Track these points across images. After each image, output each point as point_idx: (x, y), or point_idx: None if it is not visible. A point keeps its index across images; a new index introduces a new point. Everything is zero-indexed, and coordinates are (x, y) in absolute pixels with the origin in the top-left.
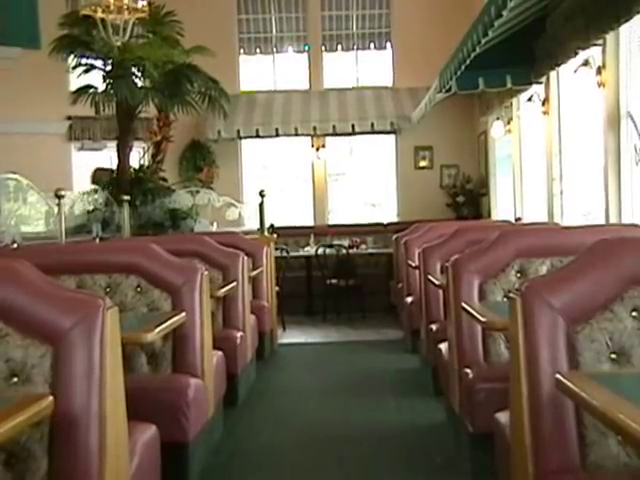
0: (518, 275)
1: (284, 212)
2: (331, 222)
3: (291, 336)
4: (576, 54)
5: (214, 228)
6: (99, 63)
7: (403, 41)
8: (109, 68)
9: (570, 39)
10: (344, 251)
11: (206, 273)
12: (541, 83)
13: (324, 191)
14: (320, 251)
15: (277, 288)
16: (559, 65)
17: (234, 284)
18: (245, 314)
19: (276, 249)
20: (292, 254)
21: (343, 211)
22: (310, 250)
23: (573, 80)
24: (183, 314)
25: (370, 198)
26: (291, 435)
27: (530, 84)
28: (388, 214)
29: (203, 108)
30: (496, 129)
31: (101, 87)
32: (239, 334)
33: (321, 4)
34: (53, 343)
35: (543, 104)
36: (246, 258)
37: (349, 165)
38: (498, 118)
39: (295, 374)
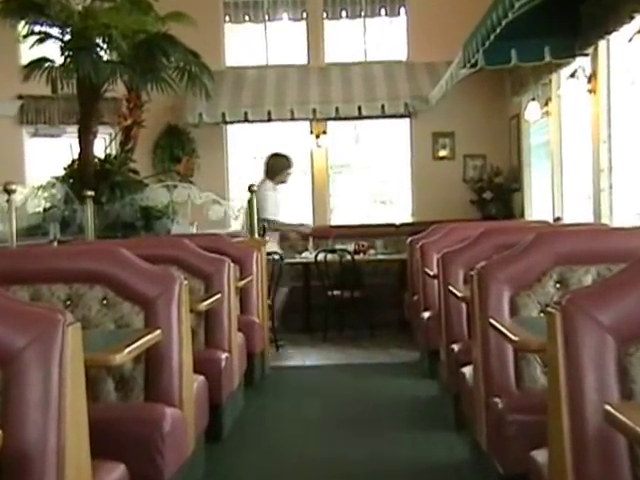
0: (557, 286)
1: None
2: (333, 222)
3: (285, 358)
4: (631, 19)
5: (194, 229)
6: (56, 31)
7: (420, 6)
8: (68, 38)
9: (624, 1)
10: (348, 257)
11: (185, 283)
12: (587, 55)
13: (325, 186)
14: (320, 257)
15: (269, 301)
16: (610, 33)
17: (218, 296)
18: (231, 332)
19: (268, 254)
20: (287, 260)
21: (347, 209)
22: (308, 256)
23: (627, 51)
24: (158, 331)
25: (380, 194)
26: (285, 475)
27: (573, 57)
28: (401, 213)
29: (181, 87)
30: (531, 111)
31: (59, 60)
32: (224, 355)
33: None
34: (3, 365)
35: (589, 81)
36: (232, 265)
37: (355, 155)
38: (534, 98)
39: (290, 403)
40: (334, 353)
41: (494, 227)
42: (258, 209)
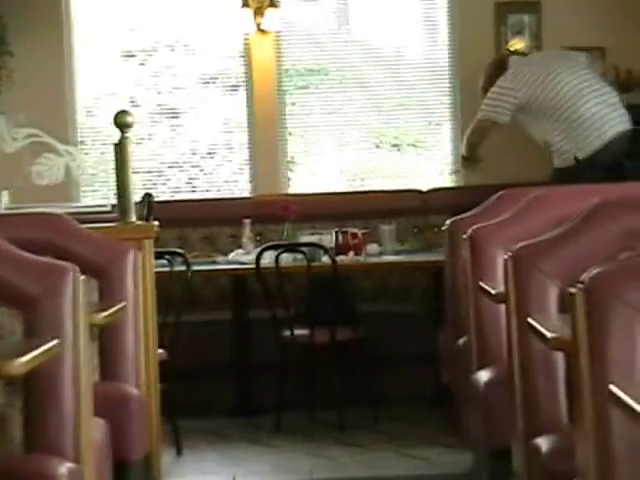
0: None
1: (180, 169)
2: (293, 189)
3: (195, 469)
4: None
5: (3, 203)
6: None
7: None
8: None
9: None
10: (325, 259)
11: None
12: None
13: (274, 115)
14: (267, 259)
15: (162, 351)
16: None
17: (51, 344)
18: (78, 419)
19: (159, 256)
20: (199, 267)
21: (322, 163)
22: (243, 257)
23: None
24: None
25: (389, 130)
26: None
27: None
28: (434, 168)
29: None
30: None
31: None
32: (62, 469)
33: None
34: None
35: None
36: (82, 279)
37: (338, 49)
38: None
39: None
40: (298, 458)
41: (623, 197)
42: None
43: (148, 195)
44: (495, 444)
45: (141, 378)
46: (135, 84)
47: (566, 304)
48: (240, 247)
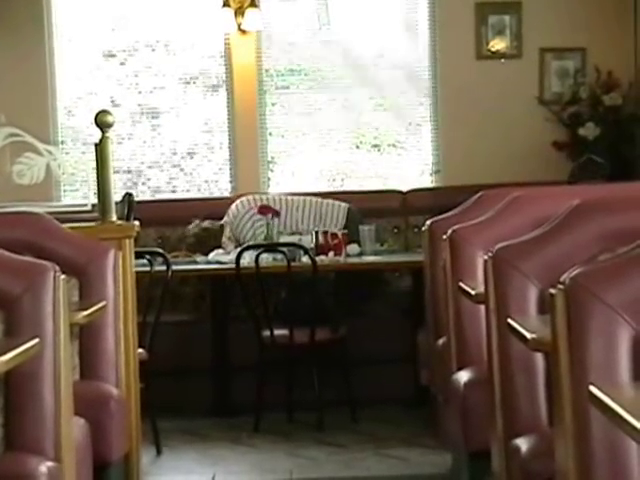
0: None
1: (160, 169)
2: (273, 190)
3: (175, 469)
4: None
5: None
6: None
7: None
8: None
9: None
10: (305, 259)
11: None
12: None
13: (255, 115)
14: (247, 259)
15: (141, 351)
16: None
17: (30, 344)
18: (59, 418)
19: (139, 255)
20: (178, 267)
21: (302, 163)
22: (222, 257)
23: None
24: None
25: (368, 131)
26: None
27: None
28: (412, 168)
29: None
30: None
31: None
32: (42, 468)
33: None
34: None
35: None
36: (63, 278)
37: (319, 49)
38: None
39: None
40: (277, 458)
41: (601, 197)
42: None
43: (128, 195)
44: (474, 445)
45: (121, 377)
46: (116, 84)
47: (546, 305)
48: (220, 247)
